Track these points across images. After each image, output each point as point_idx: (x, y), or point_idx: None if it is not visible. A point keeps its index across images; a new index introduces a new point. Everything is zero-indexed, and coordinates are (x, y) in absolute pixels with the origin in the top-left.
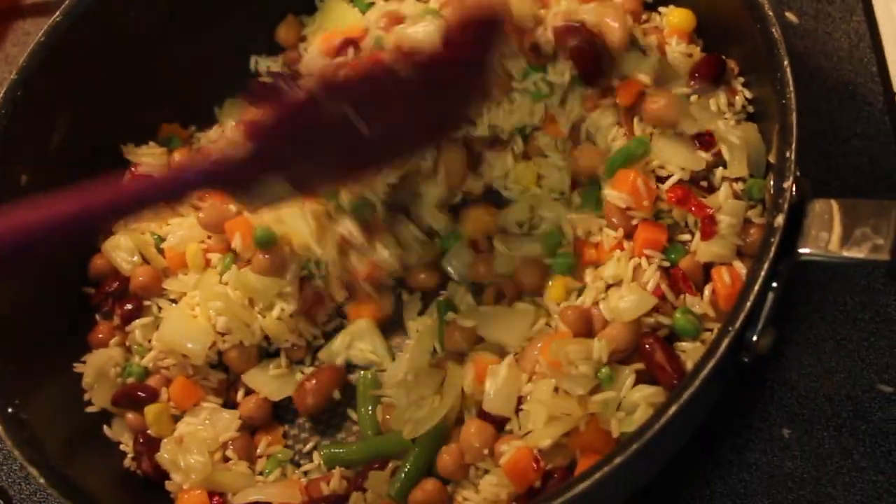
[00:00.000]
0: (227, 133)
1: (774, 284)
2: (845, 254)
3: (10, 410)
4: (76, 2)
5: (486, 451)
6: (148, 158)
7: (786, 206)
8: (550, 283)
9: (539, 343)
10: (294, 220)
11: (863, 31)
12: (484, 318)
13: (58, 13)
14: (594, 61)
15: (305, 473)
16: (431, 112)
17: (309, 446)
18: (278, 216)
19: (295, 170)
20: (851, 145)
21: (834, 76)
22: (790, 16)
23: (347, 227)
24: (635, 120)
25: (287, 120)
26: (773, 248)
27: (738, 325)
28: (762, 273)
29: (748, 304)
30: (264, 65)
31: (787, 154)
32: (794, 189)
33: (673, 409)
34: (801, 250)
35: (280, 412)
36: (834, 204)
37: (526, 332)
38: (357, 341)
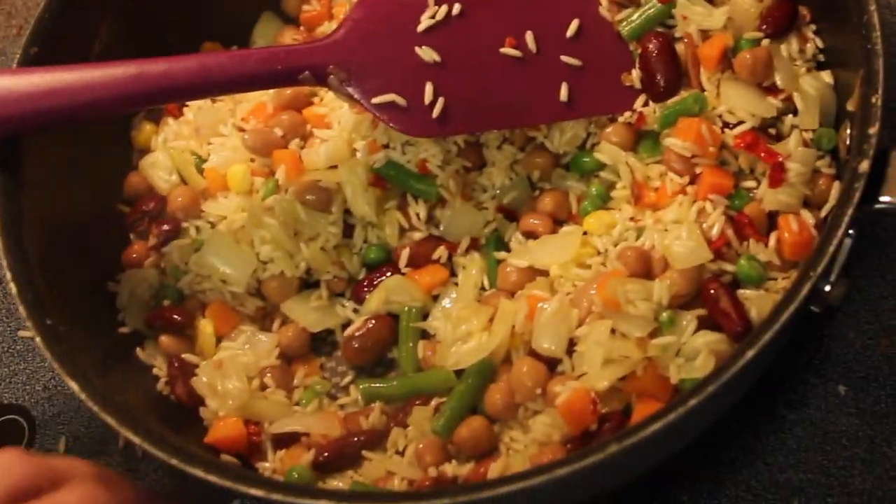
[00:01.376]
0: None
1: (852, 232)
2: None
3: (48, 322)
4: None
5: (538, 391)
6: None
7: (871, 151)
8: (586, 214)
9: (595, 282)
10: (350, 174)
11: None
12: (531, 249)
13: None
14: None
15: (342, 407)
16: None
17: (347, 380)
18: (332, 167)
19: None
20: None
21: None
22: None
23: (416, 210)
24: (701, 69)
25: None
26: (857, 194)
27: (819, 270)
28: (845, 219)
29: (831, 248)
30: None
31: (874, 100)
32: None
33: (751, 353)
34: (883, 199)
35: (317, 344)
36: None
37: (573, 252)
38: (393, 295)
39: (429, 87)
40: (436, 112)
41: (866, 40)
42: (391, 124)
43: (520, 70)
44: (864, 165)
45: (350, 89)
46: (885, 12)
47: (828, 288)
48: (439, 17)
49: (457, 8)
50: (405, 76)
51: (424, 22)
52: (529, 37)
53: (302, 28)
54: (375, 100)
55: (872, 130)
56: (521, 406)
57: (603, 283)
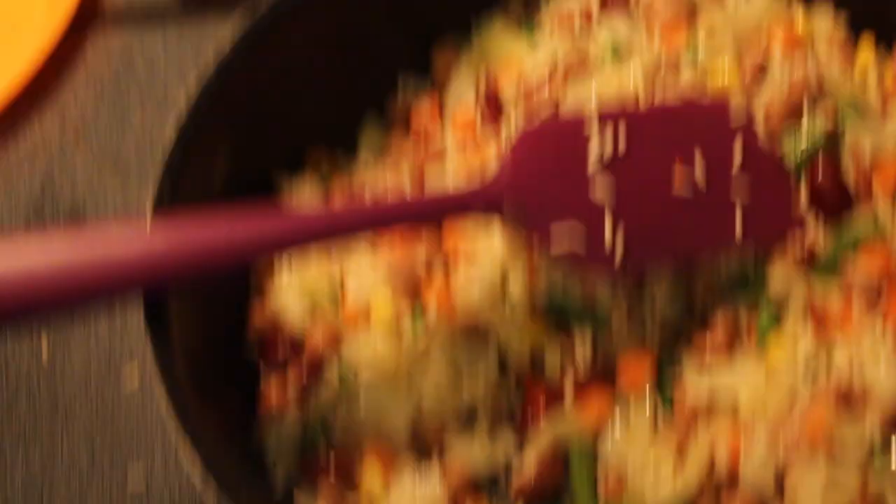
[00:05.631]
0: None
1: None
2: None
3: None
4: (247, 29)
5: None
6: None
7: None
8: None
9: (793, 418)
10: (509, 328)
11: None
12: (709, 375)
13: (227, 45)
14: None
15: None
16: None
17: None
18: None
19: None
20: None
21: None
22: None
23: (579, 338)
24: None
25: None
26: None
27: None
28: None
29: None
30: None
31: None
32: None
33: None
34: None
35: (482, 482)
36: None
37: (756, 384)
38: (559, 429)
39: (607, 228)
40: (617, 256)
41: None
42: (572, 270)
43: (689, 206)
44: None
45: (526, 234)
46: None
47: None
48: (607, 152)
49: (622, 143)
50: (581, 218)
51: (593, 157)
52: (698, 170)
53: (413, 138)
54: (555, 250)
55: None
56: None
57: (808, 418)
